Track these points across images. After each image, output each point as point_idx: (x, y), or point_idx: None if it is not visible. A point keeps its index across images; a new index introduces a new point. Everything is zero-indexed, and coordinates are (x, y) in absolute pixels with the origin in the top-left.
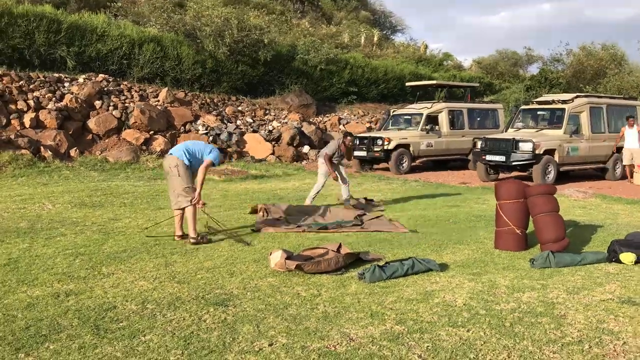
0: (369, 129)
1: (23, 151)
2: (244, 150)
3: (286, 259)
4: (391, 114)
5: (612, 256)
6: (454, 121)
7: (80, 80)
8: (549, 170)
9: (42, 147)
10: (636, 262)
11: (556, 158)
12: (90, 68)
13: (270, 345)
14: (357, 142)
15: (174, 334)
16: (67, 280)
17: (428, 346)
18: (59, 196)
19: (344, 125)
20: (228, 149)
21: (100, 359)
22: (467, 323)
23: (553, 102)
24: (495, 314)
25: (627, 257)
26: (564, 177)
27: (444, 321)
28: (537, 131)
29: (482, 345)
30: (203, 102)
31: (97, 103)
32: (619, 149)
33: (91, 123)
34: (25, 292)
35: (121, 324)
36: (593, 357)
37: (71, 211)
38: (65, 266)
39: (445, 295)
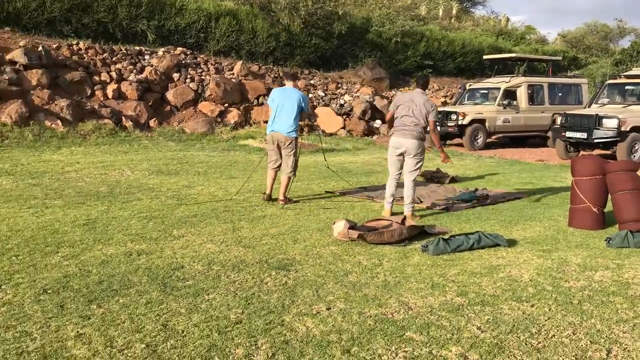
0: (444, 104)
1: (106, 121)
2: (315, 124)
3: (349, 228)
4: (467, 88)
5: None
6: (534, 96)
7: (160, 53)
8: (636, 148)
9: (123, 117)
10: None
11: None
12: (169, 41)
13: (327, 309)
14: None
15: (236, 294)
16: (140, 240)
17: (488, 319)
18: (137, 164)
19: None
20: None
21: (165, 314)
22: (531, 298)
23: None
24: (563, 291)
25: None
26: None
27: (507, 295)
28: (624, 107)
29: (545, 320)
30: (276, 75)
31: (175, 75)
32: None
33: (169, 95)
34: (101, 250)
35: (187, 283)
36: None
37: (148, 178)
38: (139, 228)
39: (511, 270)
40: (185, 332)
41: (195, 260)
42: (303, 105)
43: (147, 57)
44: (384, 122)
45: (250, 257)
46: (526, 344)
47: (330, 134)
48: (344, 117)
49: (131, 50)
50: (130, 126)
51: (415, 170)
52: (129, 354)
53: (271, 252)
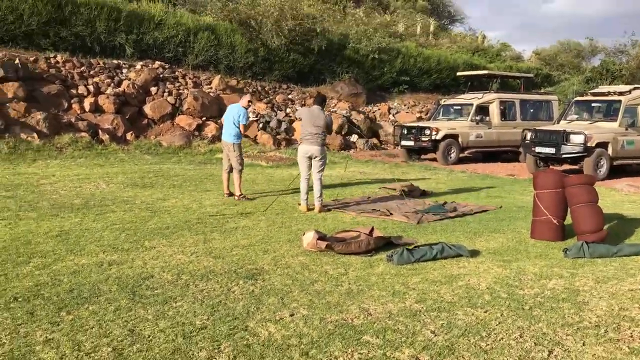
0: (419, 119)
1: (82, 134)
2: (292, 137)
3: (318, 239)
4: (441, 104)
5: None
6: (506, 112)
7: (138, 66)
8: (601, 163)
9: (100, 131)
10: None
11: (609, 151)
12: (148, 55)
13: (291, 315)
14: (405, 132)
15: (203, 302)
16: (112, 251)
17: (443, 323)
18: (113, 177)
19: (394, 115)
20: (277, 136)
21: (133, 320)
22: (486, 305)
23: (609, 93)
24: (516, 298)
25: None
26: (620, 172)
27: (463, 302)
28: (590, 123)
29: (496, 325)
30: (254, 89)
31: (153, 89)
32: None
33: (147, 108)
34: (73, 260)
35: (156, 291)
36: (607, 340)
37: (123, 191)
38: (112, 239)
39: (470, 279)
40: (151, 337)
41: (165, 270)
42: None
43: (125, 70)
44: (360, 136)
45: (219, 267)
46: (475, 346)
47: None
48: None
49: (109, 63)
50: (106, 139)
51: (321, 170)
52: (96, 357)
53: (240, 262)
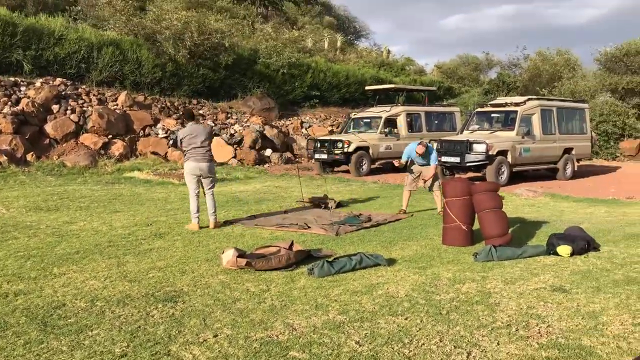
0: (331, 132)
1: None
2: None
3: (238, 257)
4: (352, 118)
5: (550, 249)
6: (412, 124)
7: (37, 84)
8: (502, 170)
9: None
10: (572, 255)
11: (509, 159)
12: (48, 72)
13: (214, 336)
14: (318, 145)
15: (121, 328)
16: (17, 280)
17: (366, 333)
18: (13, 201)
19: (306, 129)
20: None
21: (45, 353)
22: (406, 312)
23: (506, 104)
24: (434, 303)
25: (564, 249)
26: (518, 178)
27: (384, 311)
28: (490, 133)
29: (417, 331)
30: (163, 105)
31: (55, 107)
32: (568, 150)
33: (48, 127)
34: None
35: (69, 321)
36: (518, 338)
37: (25, 215)
38: (16, 268)
39: (389, 287)
40: None
41: (77, 298)
42: None
43: (23, 88)
44: (274, 150)
45: (136, 291)
46: (399, 354)
47: (221, 164)
48: (235, 146)
49: (5, 81)
50: (5, 161)
51: (213, 186)
52: None
53: (158, 285)
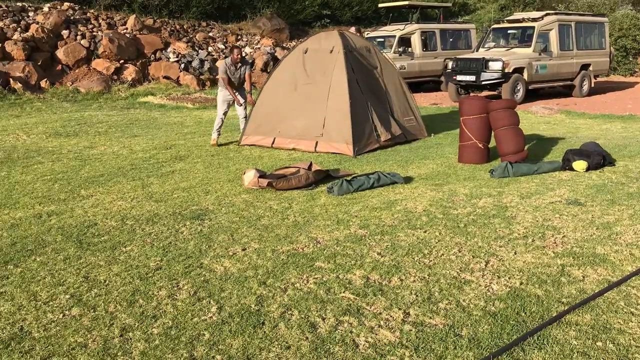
0: None
1: None
2: (216, 77)
3: (259, 177)
4: (363, 36)
5: (566, 164)
6: (427, 43)
7: (45, 9)
8: (518, 88)
9: (11, 79)
10: (587, 169)
11: (525, 76)
12: None
13: (243, 250)
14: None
15: (153, 244)
16: (48, 202)
17: (387, 245)
18: (32, 127)
19: None
20: (201, 76)
21: (85, 267)
22: (425, 225)
23: (523, 20)
24: (451, 217)
25: (580, 164)
26: (534, 95)
27: (403, 225)
28: (507, 50)
29: (436, 242)
30: (173, 29)
31: (65, 33)
32: (586, 66)
33: (60, 53)
34: (8, 214)
35: (103, 238)
36: (535, 248)
37: (46, 141)
38: (45, 190)
39: (407, 203)
40: (107, 282)
41: (107, 217)
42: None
43: (31, 13)
44: None
45: (163, 210)
46: (420, 263)
47: None
48: None
49: (12, 6)
50: (19, 88)
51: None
52: (55, 305)
53: (184, 204)
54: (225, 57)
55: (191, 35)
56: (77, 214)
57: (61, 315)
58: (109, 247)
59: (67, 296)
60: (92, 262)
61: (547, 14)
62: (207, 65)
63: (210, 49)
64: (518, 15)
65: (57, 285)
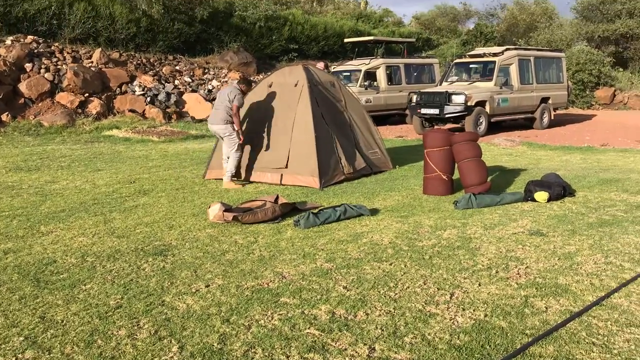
0: None
1: None
2: (183, 110)
3: (224, 211)
4: (330, 72)
5: (528, 195)
6: (392, 77)
7: (8, 42)
8: (481, 121)
9: None
10: (549, 200)
11: (487, 109)
12: (18, 29)
13: (206, 286)
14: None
15: (114, 282)
16: (5, 240)
17: (353, 279)
18: None
19: None
20: (167, 109)
21: (42, 307)
22: (390, 258)
23: (484, 55)
24: (417, 249)
25: (541, 195)
26: (496, 128)
27: (369, 257)
28: (469, 84)
29: (402, 275)
30: (139, 62)
31: (28, 66)
32: (545, 99)
33: (22, 87)
34: None
35: (61, 276)
36: (498, 279)
37: (6, 176)
38: (3, 227)
39: (373, 235)
40: (65, 321)
41: (67, 254)
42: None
43: None
44: None
45: (125, 246)
46: (385, 296)
47: (200, 120)
48: (213, 102)
49: None
50: None
51: (230, 147)
52: (7, 348)
53: (146, 240)
54: (235, 83)
55: (158, 69)
56: (36, 251)
57: (14, 359)
58: (67, 285)
59: (22, 338)
60: (49, 302)
61: (507, 49)
62: (173, 99)
63: (177, 82)
64: (479, 50)
65: (10, 327)
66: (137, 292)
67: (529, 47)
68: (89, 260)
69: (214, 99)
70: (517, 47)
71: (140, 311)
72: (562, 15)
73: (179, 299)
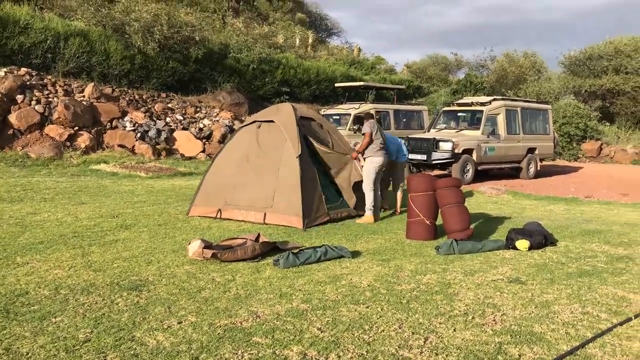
0: None
1: None
2: (173, 147)
3: (204, 248)
4: (321, 115)
5: (509, 243)
6: (381, 122)
7: (1, 73)
8: (467, 168)
9: None
10: (530, 249)
11: (474, 157)
12: (12, 61)
13: (179, 323)
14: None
15: (85, 315)
16: None
17: (328, 320)
18: None
19: None
20: (157, 146)
21: (8, 339)
22: (368, 301)
23: (472, 104)
24: (395, 293)
25: (522, 244)
26: (483, 176)
27: (347, 299)
28: (457, 132)
29: (378, 318)
30: (131, 98)
31: (19, 97)
32: (532, 150)
33: (12, 118)
34: None
35: (32, 308)
36: (474, 325)
37: None
38: None
39: (352, 277)
40: (30, 354)
41: (40, 286)
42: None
43: None
44: None
45: (100, 280)
46: (359, 339)
47: (190, 158)
48: (204, 140)
49: None
50: None
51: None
52: None
53: (123, 274)
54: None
55: (150, 105)
56: (9, 282)
57: None
58: (37, 317)
59: None
60: (16, 333)
61: (494, 99)
62: (164, 135)
63: (168, 119)
64: (468, 99)
65: None
66: (108, 326)
67: (517, 98)
68: (62, 292)
69: (204, 137)
70: (504, 97)
71: (108, 346)
72: (550, 69)
73: (149, 334)
